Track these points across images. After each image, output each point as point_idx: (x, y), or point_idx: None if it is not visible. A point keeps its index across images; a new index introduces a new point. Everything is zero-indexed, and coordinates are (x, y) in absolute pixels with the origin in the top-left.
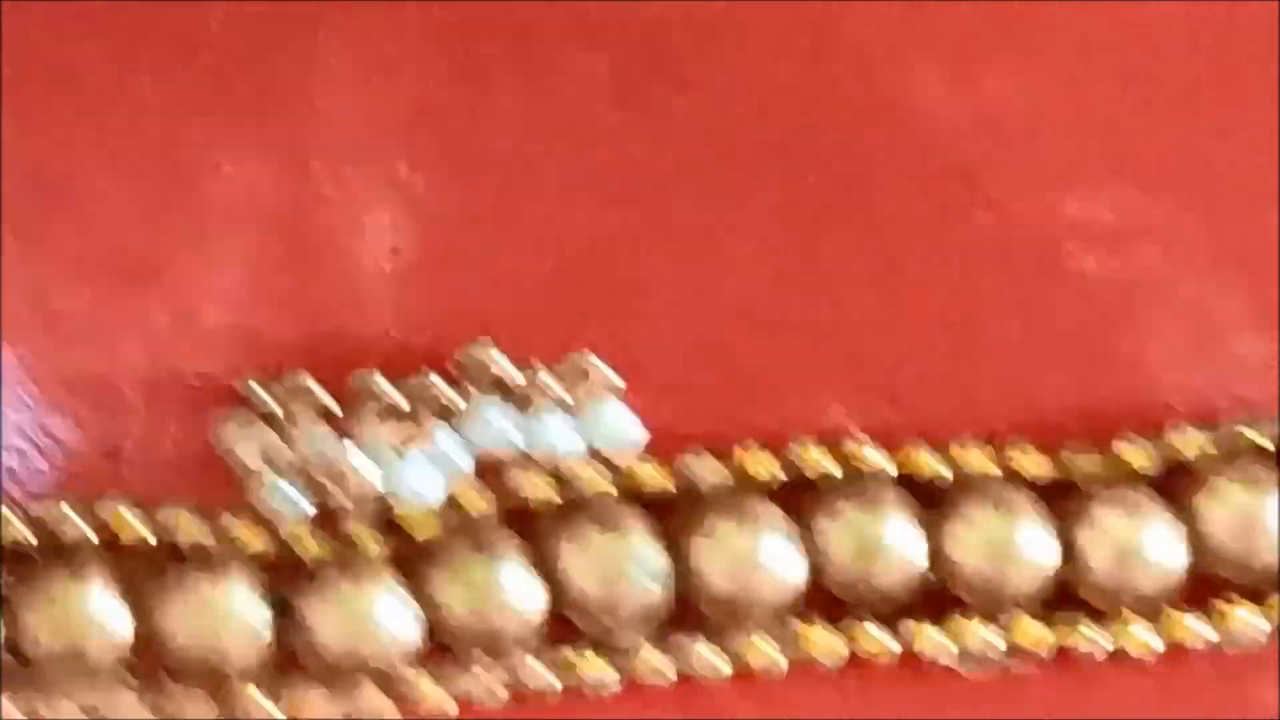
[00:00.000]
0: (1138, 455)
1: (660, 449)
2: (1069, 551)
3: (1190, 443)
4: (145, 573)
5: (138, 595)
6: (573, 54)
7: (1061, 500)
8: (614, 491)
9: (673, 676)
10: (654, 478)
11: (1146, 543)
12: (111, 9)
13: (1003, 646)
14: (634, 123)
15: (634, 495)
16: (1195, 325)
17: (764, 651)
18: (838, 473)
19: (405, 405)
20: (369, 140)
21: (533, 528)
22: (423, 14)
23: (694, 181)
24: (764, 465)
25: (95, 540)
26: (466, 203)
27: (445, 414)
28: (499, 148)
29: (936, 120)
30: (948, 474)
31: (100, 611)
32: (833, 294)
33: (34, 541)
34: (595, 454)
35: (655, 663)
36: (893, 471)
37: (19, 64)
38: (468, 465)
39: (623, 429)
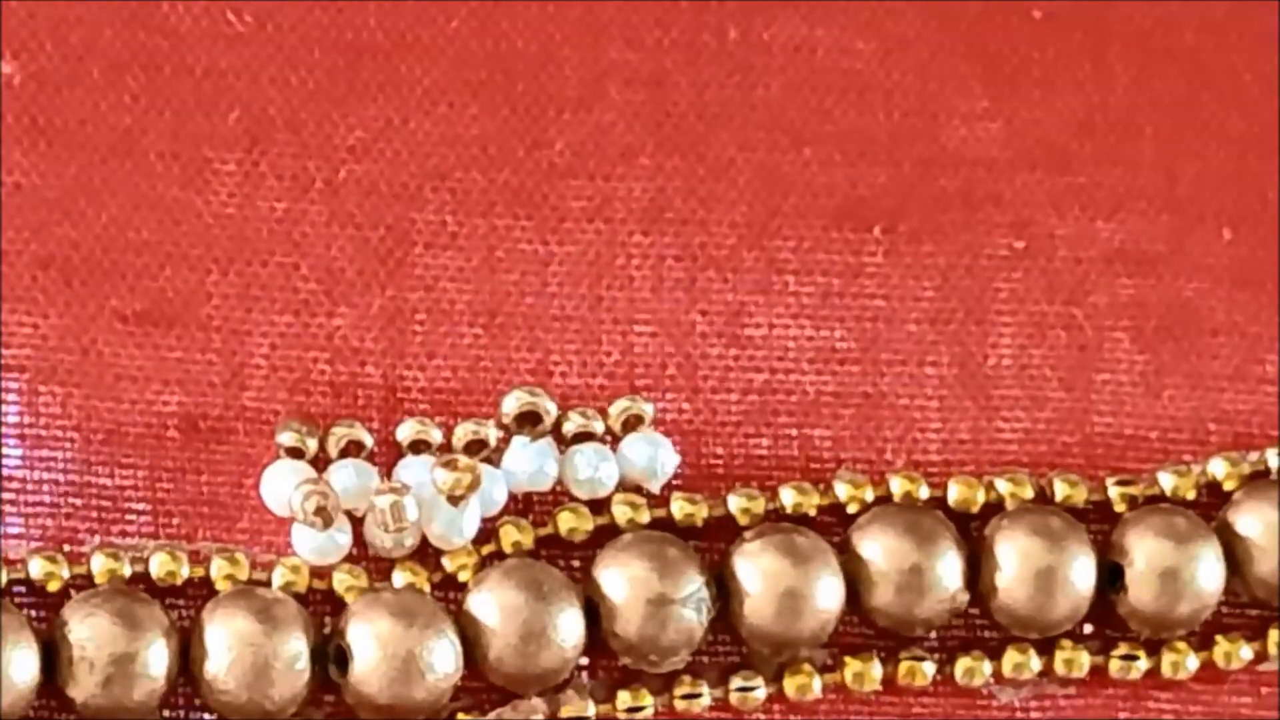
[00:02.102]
0: (1179, 482)
1: (697, 481)
2: (1108, 577)
3: (1229, 469)
4: (187, 615)
5: (180, 637)
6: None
7: (1101, 526)
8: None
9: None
10: (692, 509)
11: (1189, 567)
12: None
13: (1038, 668)
14: (674, 158)
15: (672, 526)
16: (1235, 352)
17: (804, 680)
18: (877, 503)
19: (449, 447)
20: (413, 184)
21: (571, 560)
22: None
23: (729, 219)
24: (804, 496)
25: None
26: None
27: (484, 448)
28: (535, 196)
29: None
30: (988, 501)
31: (144, 653)
32: (874, 327)
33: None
34: (632, 486)
35: (695, 691)
36: (929, 498)
37: (59, 107)
38: (506, 500)
39: (658, 460)
